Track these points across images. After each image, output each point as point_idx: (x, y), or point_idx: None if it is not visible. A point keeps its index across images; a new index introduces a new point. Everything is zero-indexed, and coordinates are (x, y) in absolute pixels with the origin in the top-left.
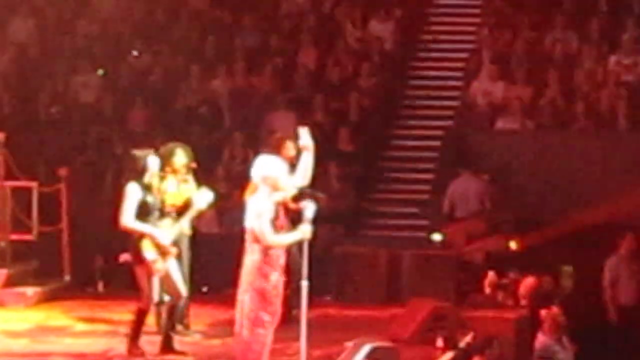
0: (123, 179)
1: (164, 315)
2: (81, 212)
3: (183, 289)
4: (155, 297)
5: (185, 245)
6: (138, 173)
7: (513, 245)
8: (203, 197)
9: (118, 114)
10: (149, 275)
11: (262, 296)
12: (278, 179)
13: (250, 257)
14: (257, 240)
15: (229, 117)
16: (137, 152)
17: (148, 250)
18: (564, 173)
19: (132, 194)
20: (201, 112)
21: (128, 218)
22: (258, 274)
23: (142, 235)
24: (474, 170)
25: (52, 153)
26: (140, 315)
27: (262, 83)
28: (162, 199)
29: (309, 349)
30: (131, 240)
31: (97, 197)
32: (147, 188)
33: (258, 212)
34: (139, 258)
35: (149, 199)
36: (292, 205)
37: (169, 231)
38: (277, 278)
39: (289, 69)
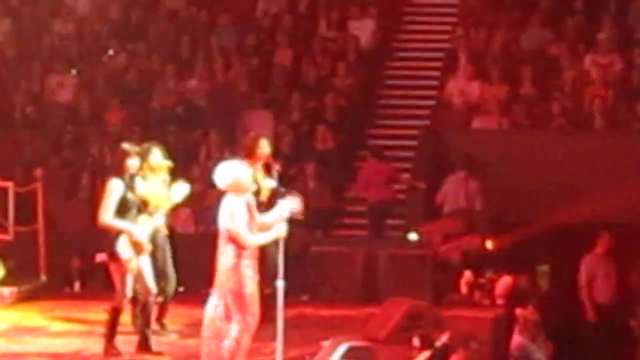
0: (104, 174)
1: (138, 314)
2: (57, 212)
3: (153, 286)
4: (129, 294)
5: (164, 243)
6: (120, 169)
7: (489, 244)
8: (179, 190)
9: (94, 113)
10: (123, 273)
11: (238, 297)
12: (239, 181)
13: (224, 259)
14: (231, 240)
15: (205, 116)
16: (125, 147)
17: (124, 249)
18: (541, 172)
19: (115, 190)
20: (177, 111)
21: (107, 215)
22: (232, 276)
23: (118, 234)
24: (455, 169)
25: (28, 153)
26: (114, 314)
27: (238, 83)
28: (143, 198)
29: (286, 349)
30: (106, 238)
31: (74, 197)
32: (128, 185)
33: (231, 211)
34: (113, 256)
35: (129, 196)
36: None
37: (144, 228)
38: (252, 278)
39: (265, 68)
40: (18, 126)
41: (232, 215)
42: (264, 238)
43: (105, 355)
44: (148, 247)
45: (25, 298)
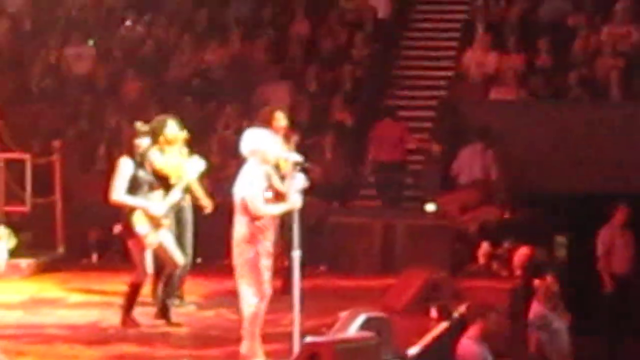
0: (117, 151)
1: (160, 285)
2: (75, 184)
3: (179, 258)
4: (149, 270)
5: (187, 216)
6: (131, 147)
7: (507, 215)
8: (194, 167)
9: (111, 85)
10: (142, 248)
11: (251, 267)
12: (266, 151)
13: (238, 229)
14: (245, 210)
15: (222, 88)
16: (138, 126)
17: (140, 224)
18: (558, 142)
19: (124, 169)
20: (194, 83)
21: (118, 193)
22: (247, 246)
23: (132, 209)
24: (472, 140)
25: (45, 125)
26: (134, 288)
27: (255, 54)
28: (155, 173)
29: (303, 320)
30: (123, 214)
31: (91, 168)
32: (138, 162)
33: (250, 180)
34: (131, 232)
35: (140, 173)
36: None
37: (161, 202)
38: (265, 249)
39: (282, 40)
40: (35, 98)
41: (250, 184)
42: (278, 209)
43: (122, 327)
44: (166, 221)
45: (43, 270)
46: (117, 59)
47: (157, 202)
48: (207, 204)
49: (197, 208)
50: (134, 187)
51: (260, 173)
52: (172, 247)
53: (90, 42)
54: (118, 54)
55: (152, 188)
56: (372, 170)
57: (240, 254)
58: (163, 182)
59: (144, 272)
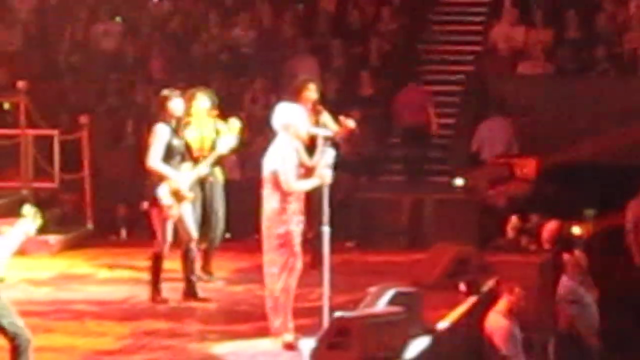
0: (149, 121)
1: (181, 262)
2: (103, 160)
3: (194, 233)
4: (168, 239)
5: (218, 191)
6: (165, 115)
7: (535, 189)
8: (225, 142)
9: (139, 61)
10: (164, 219)
11: (282, 242)
12: (298, 126)
13: (269, 204)
14: (275, 185)
15: (250, 63)
16: (164, 93)
17: (164, 195)
18: (586, 117)
19: (161, 135)
20: (222, 58)
21: (155, 159)
22: (276, 221)
23: (160, 180)
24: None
25: (74, 101)
26: (156, 260)
27: (283, 29)
28: (187, 144)
29: (332, 295)
30: (148, 184)
31: (119, 144)
32: (174, 130)
33: (282, 156)
34: (154, 202)
35: (175, 142)
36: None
37: (186, 176)
38: (296, 223)
39: (310, 14)
40: (63, 74)
41: (282, 159)
42: (308, 184)
43: (151, 302)
44: (189, 195)
45: (72, 246)
46: (144, 34)
47: (186, 174)
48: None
49: (227, 183)
50: (167, 155)
51: (291, 148)
52: (190, 221)
53: (118, 19)
54: (146, 30)
55: (183, 159)
56: (396, 135)
57: (269, 228)
58: (191, 155)
59: (163, 241)
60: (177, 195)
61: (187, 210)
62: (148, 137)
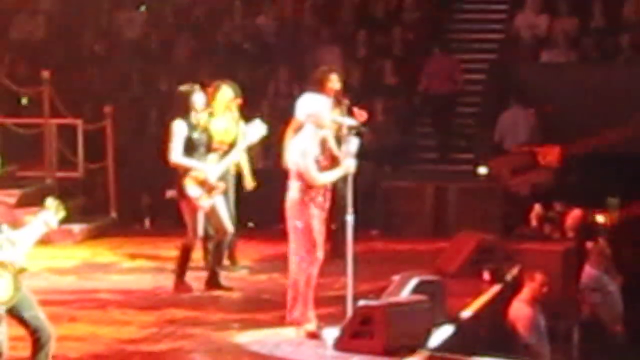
0: (169, 116)
1: (210, 251)
2: (127, 149)
3: (229, 225)
4: (200, 233)
5: (230, 181)
6: (184, 110)
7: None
8: (255, 130)
9: (163, 49)
10: (193, 211)
11: (303, 232)
12: (322, 116)
13: (291, 193)
14: (299, 176)
15: (273, 52)
16: (183, 88)
17: (192, 187)
18: (609, 105)
19: (179, 131)
20: (245, 47)
21: (176, 154)
22: (298, 211)
23: (186, 171)
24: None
25: (97, 90)
26: (185, 251)
27: (306, 18)
28: (210, 135)
29: (356, 284)
30: (177, 176)
31: (143, 133)
32: (193, 125)
33: (303, 150)
34: (183, 194)
35: (195, 135)
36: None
37: (215, 167)
38: (317, 213)
39: (334, 3)
40: (87, 63)
41: (303, 153)
42: (332, 176)
43: (175, 291)
44: (220, 185)
45: (96, 235)
46: (168, 23)
47: (213, 165)
48: (250, 181)
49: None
50: (189, 148)
51: (314, 140)
52: (224, 214)
53: (142, 7)
54: (169, 19)
55: (208, 150)
56: (423, 103)
57: (292, 217)
58: (217, 146)
59: (194, 235)
60: (206, 186)
61: (220, 202)
62: (168, 131)
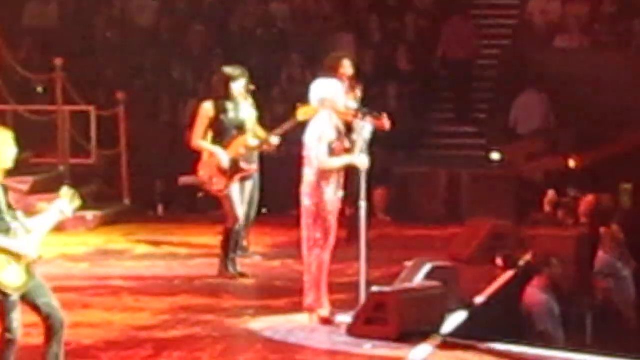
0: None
1: (221, 238)
2: (140, 136)
3: (241, 214)
4: (240, 215)
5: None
6: (222, 92)
7: (572, 163)
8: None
9: (175, 36)
10: (229, 195)
11: (316, 215)
12: (336, 100)
13: (306, 178)
14: (312, 162)
15: (286, 39)
16: (227, 71)
17: (203, 171)
18: (622, 91)
19: (204, 114)
20: (258, 34)
21: (196, 138)
22: (311, 193)
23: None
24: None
25: (110, 77)
26: (230, 235)
27: (319, 4)
28: (243, 120)
29: (369, 269)
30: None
31: (155, 120)
32: (226, 108)
33: (319, 135)
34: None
35: (225, 119)
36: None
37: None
38: (331, 197)
39: None
40: (99, 50)
41: (318, 137)
42: (342, 161)
43: (219, 277)
44: (253, 165)
45: (109, 222)
46: (180, 10)
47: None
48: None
49: (265, 159)
50: (218, 132)
51: (330, 125)
52: (237, 202)
53: None
54: (181, 5)
55: (240, 133)
56: (441, 67)
57: (307, 200)
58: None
59: (234, 215)
60: (226, 172)
61: (235, 191)
62: (188, 114)
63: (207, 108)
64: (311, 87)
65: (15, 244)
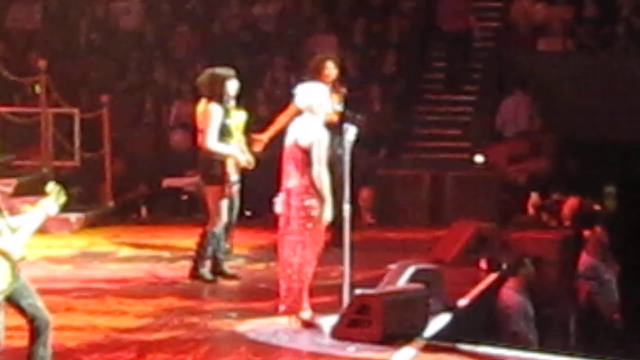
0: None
1: (199, 240)
2: (123, 138)
3: (224, 218)
4: (225, 219)
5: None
6: (220, 95)
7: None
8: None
9: (159, 39)
10: (220, 197)
11: (317, 221)
12: (322, 105)
13: (291, 181)
14: (299, 162)
15: (270, 41)
16: (219, 72)
17: (233, 173)
18: (606, 93)
19: (216, 115)
20: (242, 36)
21: (212, 140)
22: (310, 193)
23: (214, 157)
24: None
25: (94, 79)
26: (208, 238)
27: (303, 6)
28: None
29: (352, 272)
30: (206, 161)
31: (139, 122)
32: (227, 110)
33: (318, 138)
34: (213, 179)
35: (227, 121)
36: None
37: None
38: (317, 201)
39: None
40: (83, 52)
41: (318, 141)
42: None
43: (189, 278)
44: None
45: (92, 224)
46: (164, 12)
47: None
48: (250, 161)
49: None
50: (223, 135)
51: (324, 131)
52: (228, 205)
53: None
54: (166, 8)
55: (232, 138)
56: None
57: (306, 202)
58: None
59: (219, 219)
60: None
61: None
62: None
63: (217, 109)
64: (296, 91)
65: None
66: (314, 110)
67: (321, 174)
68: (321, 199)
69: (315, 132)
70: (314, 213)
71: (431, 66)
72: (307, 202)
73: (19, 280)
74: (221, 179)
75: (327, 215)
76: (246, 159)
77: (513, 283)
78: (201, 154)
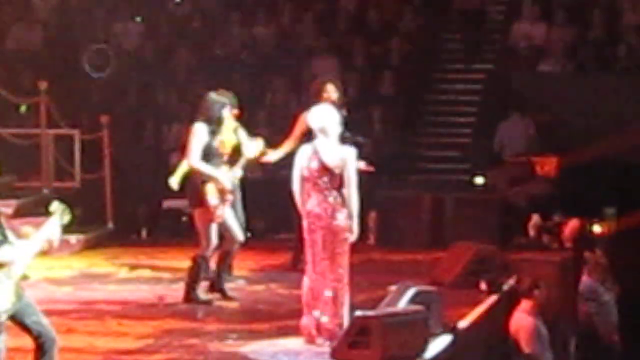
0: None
1: (216, 259)
2: (124, 159)
3: (240, 234)
4: (214, 242)
5: (237, 193)
6: (208, 117)
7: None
8: (253, 147)
9: (159, 60)
10: (209, 221)
11: (334, 235)
12: (334, 127)
13: (336, 197)
14: (320, 189)
15: (270, 63)
16: (216, 96)
17: (212, 196)
18: (607, 114)
19: (200, 134)
20: (242, 58)
21: (195, 158)
22: (326, 214)
23: (204, 180)
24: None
25: (94, 100)
26: (199, 263)
27: (303, 28)
28: (223, 145)
29: (353, 293)
30: (191, 184)
31: (140, 143)
32: (214, 132)
33: (345, 158)
34: (198, 202)
35: (214, 143)
36: None
37: (228, 177)
38: (345, 217)
39: (330, 13)
40: (84, 74)
41: (346, 162)
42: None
43: (184, 302)
44: (230, 196)
45: (92, 245)
46: (165, 34)
47: (227, 175)
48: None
49: (248, 182)
50: (207, 156)
51: (352, 153)
52: (234, 224)
53: (138, 19)
54: (166, 30)
55: (221, 161)
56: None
57: (341, 221)
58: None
59: (208, 245)
60: (222, 196)
61: (230, 213)
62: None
63: (201, 129)
64: (308, 116)
65: (4, 254)
66: (327, 131)
67: (352, 194)
68: (351, 218)
69: (341, 152)
70: (346, 235)
71: (432, 87)
72: (335, 223)
73: (22, 299)
74: (205, 202)
75: (355, 234)
76: (231, 183)
77: (526, 306)
78: (188, 177)
